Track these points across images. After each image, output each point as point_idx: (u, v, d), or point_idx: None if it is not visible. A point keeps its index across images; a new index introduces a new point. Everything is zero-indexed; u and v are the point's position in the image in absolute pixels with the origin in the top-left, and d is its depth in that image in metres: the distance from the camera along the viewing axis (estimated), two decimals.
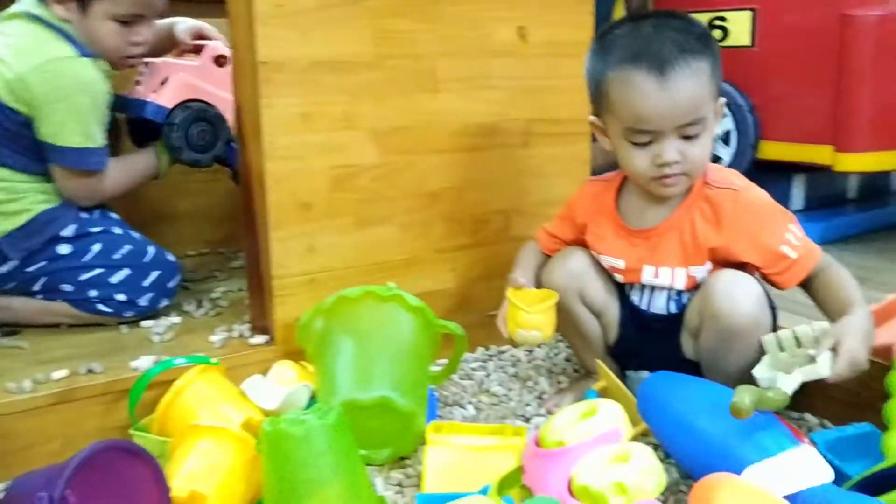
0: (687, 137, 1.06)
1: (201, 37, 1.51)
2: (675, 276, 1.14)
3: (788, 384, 0.96)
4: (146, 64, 1.46)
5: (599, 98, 1.11)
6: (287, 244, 1.21)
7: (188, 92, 1.43)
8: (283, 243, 1.20)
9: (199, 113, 1.42)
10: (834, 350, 0.96)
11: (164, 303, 1.39)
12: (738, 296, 1.05)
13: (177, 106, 1.41)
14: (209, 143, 1.44)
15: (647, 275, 1.15)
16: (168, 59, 1.48)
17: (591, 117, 1.16)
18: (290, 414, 0.89)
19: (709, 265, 1.12)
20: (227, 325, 1.32)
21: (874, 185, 2.76)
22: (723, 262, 1.11)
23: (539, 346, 1.37)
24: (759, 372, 1.01)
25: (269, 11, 1.14)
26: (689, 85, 1.03)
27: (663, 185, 1.09)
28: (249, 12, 1.14)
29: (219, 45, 1.48)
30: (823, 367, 0.96)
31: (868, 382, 1.10)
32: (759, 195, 1.12)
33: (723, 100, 1.11)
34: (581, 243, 1.23)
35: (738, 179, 1.13)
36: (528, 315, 1.11)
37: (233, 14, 1.19)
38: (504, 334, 1.15)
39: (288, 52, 1.17)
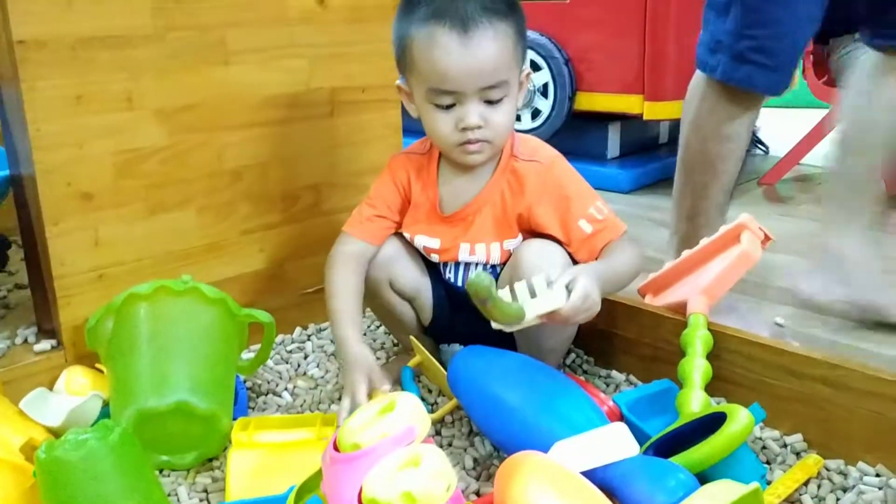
0: (489, 102, 1.04)
1: None
2: (491, 251, 1.14)
3: (530, 308, 0.93)
4: None
5: (403, 58, 1.08)
6: (68, 239, 1.10)
7: None
8: (62, 239, 1.10)
9: None
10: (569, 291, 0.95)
11: None
12: (544, 266, 1.05)
13: None
14: None
15: (463, 252, 1.15)
16: None
17: (398, 81, 1.12)
18: (71, 434, 0.82)
19: (520, 237, 1.12)
20: (11, 330, 1.20)
21: None
22: (532, 232, 1.12)
23: None
24: None
25: None
26: (492, 46, 1.02)
27: (466, 151, 1.07)
28: None
29: None
30: (559, 297, 0.94)
31: (668, 338, 1.16)
32: (564, 170, 1.12)
33: (528, 70, 1.10)
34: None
35: (545, 151, 1.13)
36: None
37: None
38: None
39: (50, 28, 1.05)
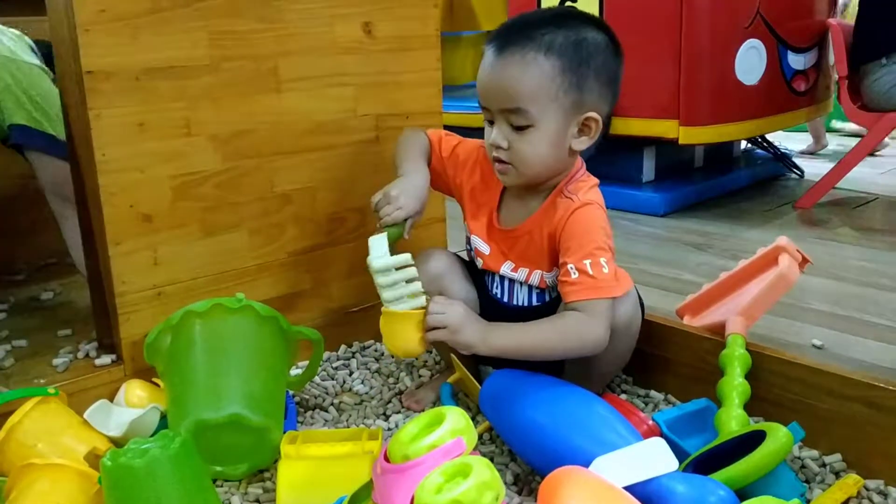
0: (516, 128, 1.07)
1: None
2: (532, 277, 1.16)
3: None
4: None
5: None
6: (129, 258, 1.16)
7: None
8: (124, 258, 1.15)
9: None
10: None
11: None
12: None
13: None
14: None
15: (506, 268, 1.17)
16: None
17: None
18: (133, 443, 0.87)
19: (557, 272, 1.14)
20: (73, 345, 1.26)
21: (720, 153, 2.92)
22: None
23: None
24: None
25: (91, 17, 1.08)
26: (516, 70, 1.05)
27: (496, 168, 1.12)
28: (70, 18, 1.08)
29: None
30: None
31: (707, 358, 1.18)
32: (585, 215, 1.09)
33: (593, 114, 1.08)
34: (444, 182, 1.26)
35: (587, 194, 1.12)
36: None
37: (52, 20, 1.13)
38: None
39: (116, 59, 1.11)
